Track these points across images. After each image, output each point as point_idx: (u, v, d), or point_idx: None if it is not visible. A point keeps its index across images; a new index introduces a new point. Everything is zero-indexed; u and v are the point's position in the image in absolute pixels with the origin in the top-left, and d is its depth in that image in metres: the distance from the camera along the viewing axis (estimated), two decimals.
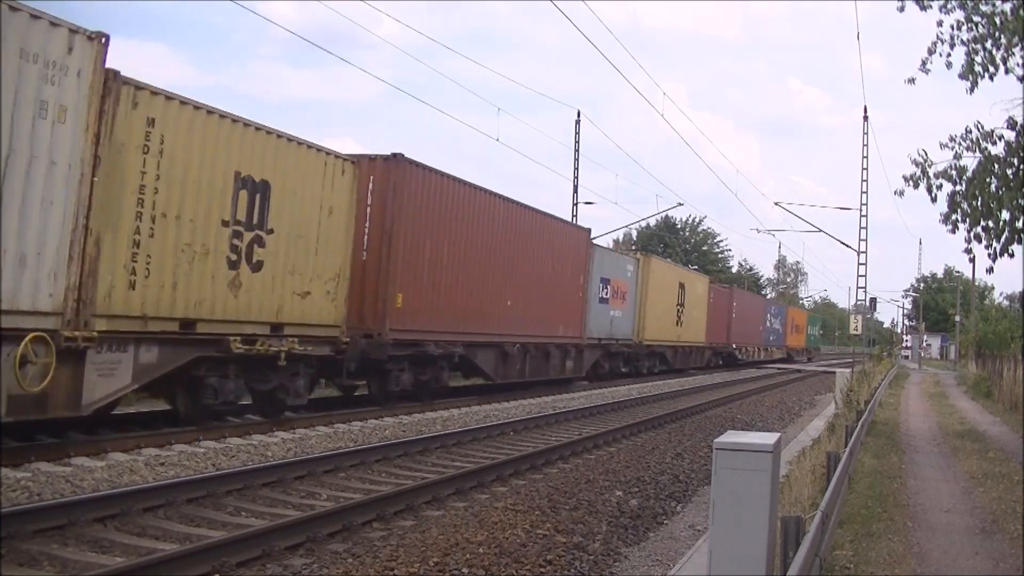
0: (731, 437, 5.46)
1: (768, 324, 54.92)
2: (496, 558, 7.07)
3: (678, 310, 35.04)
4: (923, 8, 12.14)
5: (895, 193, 12.96)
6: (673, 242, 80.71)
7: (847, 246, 38.39)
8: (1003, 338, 41.11)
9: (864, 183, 31.38)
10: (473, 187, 18.78)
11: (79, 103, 9.23)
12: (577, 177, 36.87)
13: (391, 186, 15.67)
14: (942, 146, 12.21)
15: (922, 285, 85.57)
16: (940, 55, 11.95)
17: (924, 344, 73.74)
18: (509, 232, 20.43)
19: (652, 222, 74.89)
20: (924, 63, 12.11)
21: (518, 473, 11.19)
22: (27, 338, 8.61)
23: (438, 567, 6.75)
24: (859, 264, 31.58)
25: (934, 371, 55.07)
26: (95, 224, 9.53)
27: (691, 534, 8.65)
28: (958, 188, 12.19)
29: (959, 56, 11.80)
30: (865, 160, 31.46)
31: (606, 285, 27.04)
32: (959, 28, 11.76)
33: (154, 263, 10.47)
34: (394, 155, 15.89)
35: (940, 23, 11.93)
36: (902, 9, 12.35)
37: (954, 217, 12.28)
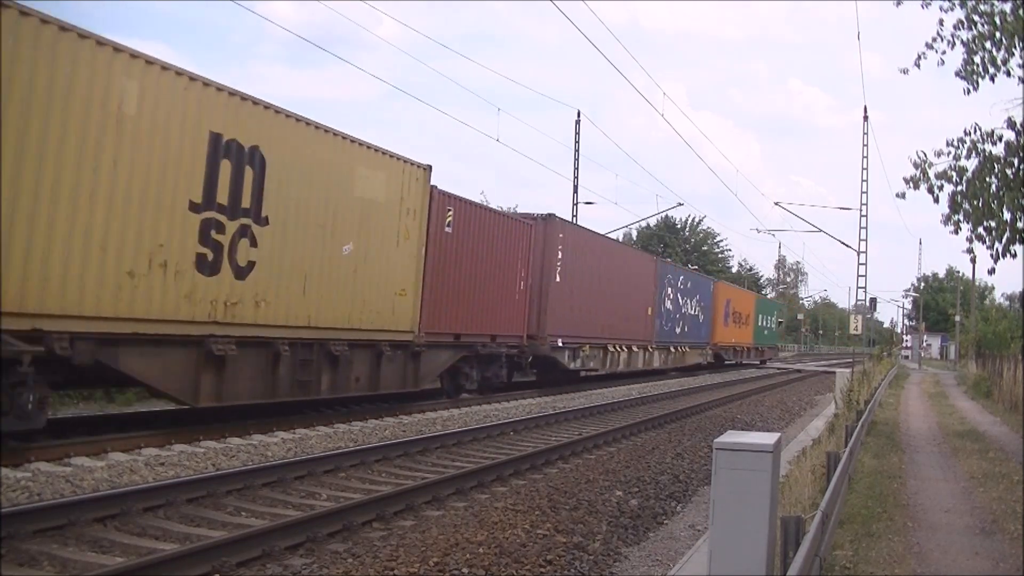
0: (731, 437, 5.46)
1: (670, 305, 33.21)
2: (496, 558, 7.07)
3: (214, 229, 11.72)
4: (924, 5, 12.14)
5: (896, 196, 12.98)
6: (673, 242, 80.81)
7: (847, 246, 38.41)
8: (1003, 338, 41.14)
9: (864, 183, 31.43)
10: None
11: None
12: (577, 177, 36.86)
13: None
14: (938, 154, 12.22)
15: (922, 285, 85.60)
16: (937, 52, 11.94)
17: (924, 344, 73.69)
18: None
19: (652, 222, 74.94)
20: (919, 57, 12.09)
21: (518, 473, 11.19)
22: None
23: (438, 567, 6.75)
24: (859, 264, 31.60)
25: (934, 371, 55.04)
26: None
27: (691, 534, 8.65)
28: (959, 188, 12.19)
29: (956, 55, 11.80)
30: (865, 160, 31.51)
31: None
32: (960, 27, 11.75)
33: None
34: None
35: (941, 22, 11.92)
36: (899, 3, 12.36)
37: (956, 218, 12.28)
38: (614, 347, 27.46)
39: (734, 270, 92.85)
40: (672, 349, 34.21)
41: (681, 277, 36.02)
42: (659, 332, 32.18)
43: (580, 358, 24.54)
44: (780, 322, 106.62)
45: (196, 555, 6.46)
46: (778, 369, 49.14)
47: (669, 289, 33.46)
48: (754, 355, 51.18)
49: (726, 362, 44.21)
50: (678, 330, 34.92)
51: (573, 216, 35.62)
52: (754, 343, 50.17)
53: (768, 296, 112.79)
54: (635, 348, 29.51)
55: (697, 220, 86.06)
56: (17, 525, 6.80)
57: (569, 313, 23.45)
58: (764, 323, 53.60)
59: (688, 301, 36.26)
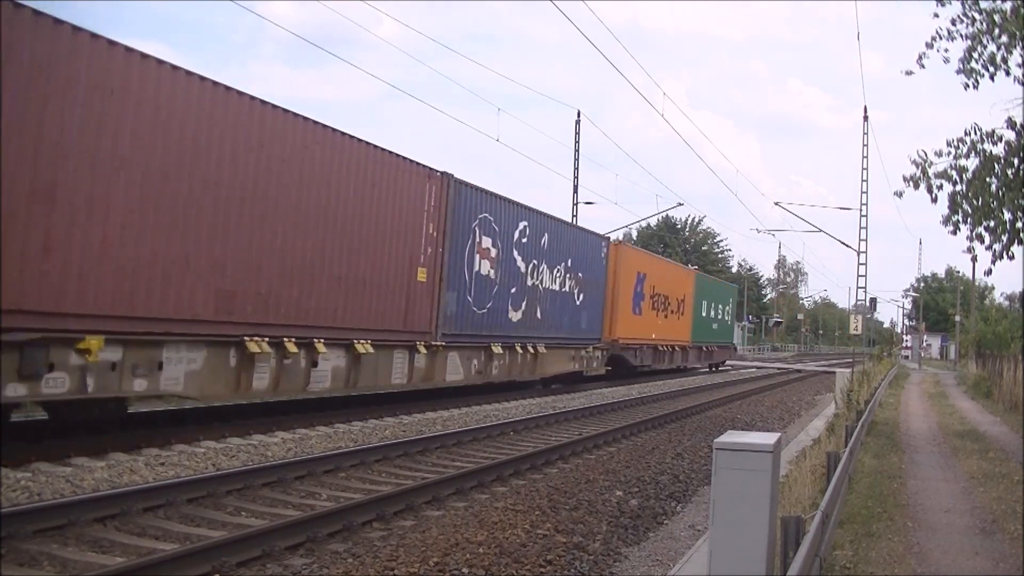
0: (731, 437, 5.46)
1: (490, 269, 19.28)
2: (496, 558, 7.07)
3: None
4: None
5: (895, 194, 13.06)
6: (673, 242, 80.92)
7: (847, 246, 38.24)
8: (1003, 338, 41.15)
9: (864, 183, 31.40)
10: None
11: None
12: (577, 177, 36.87)
13: None
14: (939, 154, 12.24)
15: (922, 285, 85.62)
16: (938, 51, 11.98)
17: (924, 344, 73.70)
18: None
19: (652, 222, 75.09)
20: (921, 57, 12.14)
21: (518, 473, 11.19)
22: None
23: (438, 567, 6.75)
24: (859, 264, 31.58)
25: (934, 371, 55.03)
26: None
27: (691, 534, 8.64)
28: (959, 188, 12.22)
29: (957, 52, 11.84)
30: (865, 160, 31.48)
31: None
32: (958, 23, 11.79)
33: None
34: None
35: (936, 15, 11.96)
36: None
37: (955, 218, 12.30)
38: (267, 346, 12.50)
39: (734, 270, 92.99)
40: (501, 350, 19.55)
41: (524, 224, 20.61)
42: (454, 317, 17.61)
43: (76, 376, 9.77)
44: (778, 322, 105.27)
45: (196, 555, 6.46)
46: (781, 368, 48.14)
47: (488, 240, 18.78)
48: (696, 356, 37.90)
49: (639, 368, 30.30)
50: (517, 315, 20.35)
51: (573, 216, 35.53)
52: (693, 340, 36.61)
53: (767, 296, 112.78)
54: (370, 347, 14.88)
55: (697, 220, 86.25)
56: (17, 525, 6.80)
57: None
58: (712, 313, 39.87)
59: (545, 268, 21.87)
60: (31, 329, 9.19)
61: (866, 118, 31.76)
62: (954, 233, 12.34)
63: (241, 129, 12.05)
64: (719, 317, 41.74)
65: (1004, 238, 11.85)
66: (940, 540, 7.92)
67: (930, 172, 12.31)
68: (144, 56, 10.52)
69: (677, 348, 34.42)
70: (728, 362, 45.19)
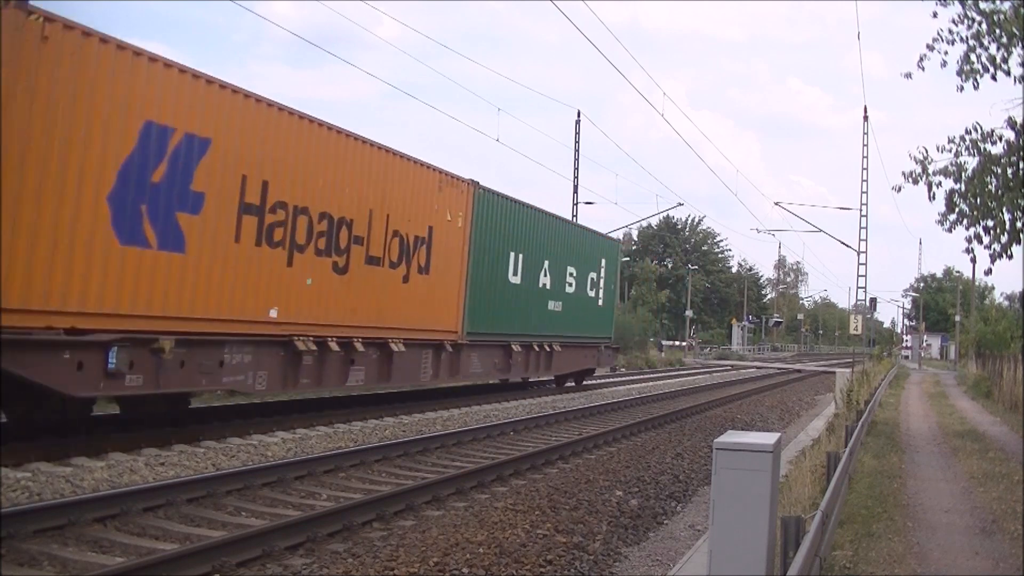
0: (731, 437, 5.47)
1: None
2: (496, 558, 7.07)
3: None
4: None
5: (893, 189, 13.14)
6: (674, 242, 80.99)
7: (847, 246, 38.21)
8: (1003, 338, 41.12)
9: (864, 183, 31.44)
10: None
11: None
12: (577, 177, 36.90)
13: None
14: (940, 149, 12.23)
15: (922, 285, 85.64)
16: (939, 52, 11.97)
17: (924, 344, 73.68)
18: None
19: (652, 222, 75.17)
20: (921, 59, 12.13)
21: (518, 473, 11.19)
22: None
23: (438, 567, 6.75)
24: (859, 264, 31.61)
25: (934, 371, 55.03)
26: None
27: (691, 534, 8.65)
28: (957, 187, 12.22)
29: (956, 53, 11.82)
30: (865, 160, 31.51)
31: None
32: (958, 24, 11.77)
33: None
34: None
35: (935, 14, 11.94)
36: None
37: (951, 217, 12.31)
38: None
39: (734, 270, 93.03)
40: None
41: None
42: None
43: None
44: (777, 322, 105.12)
45: (196, 555, 6.46)
46: (780, 368, 48.28)
47: None
48: (488, 365, 19.38)
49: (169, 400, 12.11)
50: None
51: (573, 216, 35.55)
52: (472, 331, 18.25)
53: (767, 296, 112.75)
54: None
55: (697, 220, 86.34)
56: (17, 525, 6.80)
57: None
58: (550, 279, 21.89)
59: None
60: None
61: (866, 118, 31.82)
62: (950, 231, 12.36)
63: None
64: (572, 290, 23.29)
65: (1003, 238, 11.85)
66: (940, 540, 7.92)
67: (930, 169, 12.33)
68: None
69: (406, 346, 15.84)
70: (729, 364, 44.02)
